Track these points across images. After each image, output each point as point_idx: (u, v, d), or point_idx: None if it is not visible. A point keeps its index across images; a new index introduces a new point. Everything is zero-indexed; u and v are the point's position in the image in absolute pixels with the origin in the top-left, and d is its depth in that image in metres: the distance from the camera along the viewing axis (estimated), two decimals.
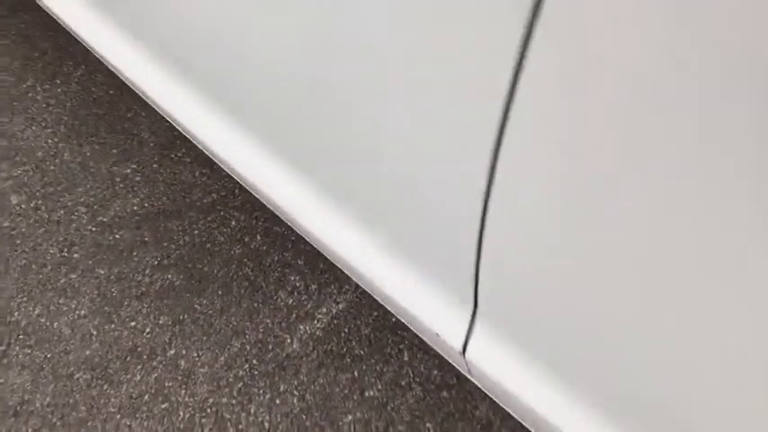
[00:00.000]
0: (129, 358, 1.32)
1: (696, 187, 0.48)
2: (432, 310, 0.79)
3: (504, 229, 0.60)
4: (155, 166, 1.60)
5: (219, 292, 1.40)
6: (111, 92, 1.74)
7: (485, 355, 0.71)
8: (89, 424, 1.24)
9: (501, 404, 0.79)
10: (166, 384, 1.29)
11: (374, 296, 0.98)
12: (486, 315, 0.69)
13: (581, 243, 0.56)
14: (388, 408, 1.26)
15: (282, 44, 0.74)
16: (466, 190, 0.60)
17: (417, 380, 1.29)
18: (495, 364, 0.70)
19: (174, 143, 1.64)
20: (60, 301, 1.39)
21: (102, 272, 1.42)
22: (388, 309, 1.01)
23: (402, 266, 0.81)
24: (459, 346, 0.72)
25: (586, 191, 0.53)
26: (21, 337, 1.34)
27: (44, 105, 1.71)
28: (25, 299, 1.38)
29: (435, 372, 1.30)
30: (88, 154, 1.62)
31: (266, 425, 1.24)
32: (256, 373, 1.30)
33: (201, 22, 0.89)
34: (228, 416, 1.25)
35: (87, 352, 1.32)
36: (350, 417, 1.25)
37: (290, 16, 0.70)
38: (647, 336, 0.58)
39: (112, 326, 1.35)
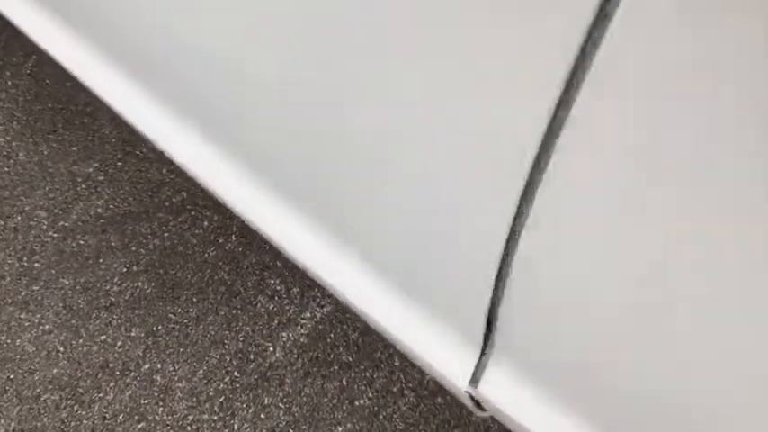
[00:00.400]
0: (100, 375, 1.23)
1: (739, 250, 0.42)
2: (435, 346, 0.72)
3: (531, 267, 0.53)
4: (118, 164, 1.49)
5: (195, 300, 1.31)
6: (67, 84, 1.62)
7: (495, 392, 0.64)
8: None
9: None
10: (142, 402, 1.20)
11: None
12: (499, 353, 0.62)
13: (611, 286, 0.50)
14: (380, 417, 1.20)
15: (263, 41, 0.65)
16: (490, 224, 0.53)
17: (410, 386, 1.23)
18: (507, 402, 0.64)
19: (137, 138, 1.53)
20: (22, 316, 1.28)
21: (67, 282, 1.32)
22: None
23: (398, 297, 0.74)
24: (464, 384, 0.65)
25: (620, 235, 0.47)
26: None
27: None
28: None
29: (428, 376, 1.24)
30: (45, 153, 1.50)
31: None
32: (238, 385, 1.22)
33: (165, 15, 0.79)
34: None
35: (54, 370, 1.23)
36: (340, 428, 1.18)
37: (275, 10, 0.61)
38: (669, 377, 0.53)
39: (80, 341, 1.26)
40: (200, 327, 1.28)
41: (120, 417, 1.19)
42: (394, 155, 0.59)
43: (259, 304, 1.31)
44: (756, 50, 0.37)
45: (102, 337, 1.27)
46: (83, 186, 1.45)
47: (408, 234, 0.63)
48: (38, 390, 1.21)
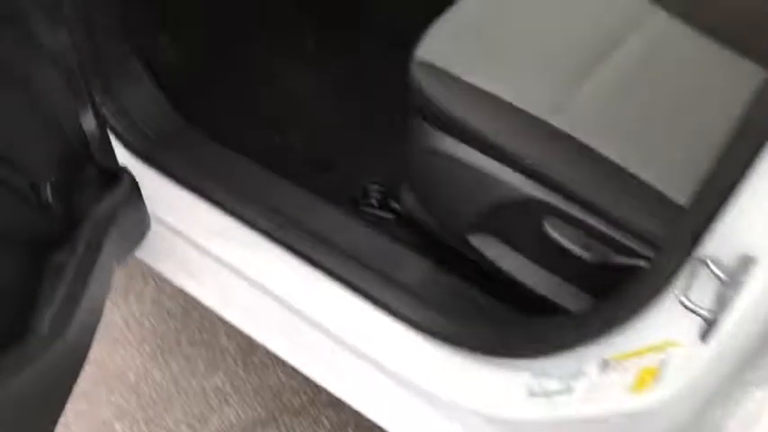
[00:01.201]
0: None
1: None
2: None
3: None
4: (241, 373, 1.72)
5: None
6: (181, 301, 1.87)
7: None
8: None
9: None
10: None
11: None
12: None
13: None
14: None
15: None
16: None
17: None
18: None
19: (254, 346, 1.77)
20: None
21: None
22: None
23: None
24: None
25: None
26: None
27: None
28: None
29: None
30: (176, 370, 1.73)
31: None
32: None
33: None
34: None
35: None
36: None
37: None
38: None
39: None
40: None
41: None
42: None
43: None
44: None
45: None
46: (214, 398, 1.68)
47: None
48: None
